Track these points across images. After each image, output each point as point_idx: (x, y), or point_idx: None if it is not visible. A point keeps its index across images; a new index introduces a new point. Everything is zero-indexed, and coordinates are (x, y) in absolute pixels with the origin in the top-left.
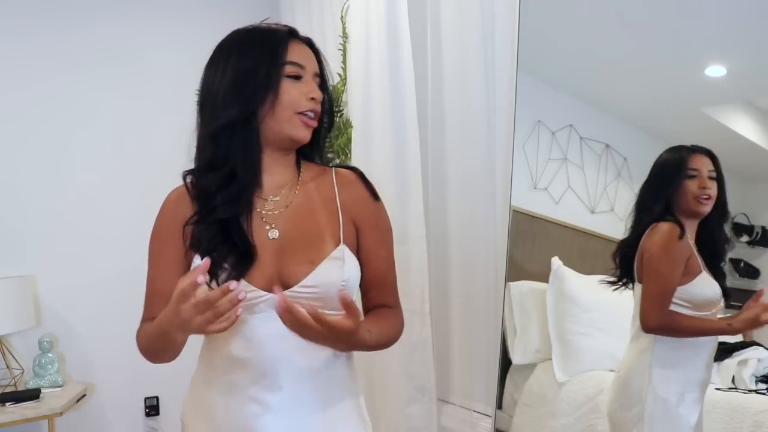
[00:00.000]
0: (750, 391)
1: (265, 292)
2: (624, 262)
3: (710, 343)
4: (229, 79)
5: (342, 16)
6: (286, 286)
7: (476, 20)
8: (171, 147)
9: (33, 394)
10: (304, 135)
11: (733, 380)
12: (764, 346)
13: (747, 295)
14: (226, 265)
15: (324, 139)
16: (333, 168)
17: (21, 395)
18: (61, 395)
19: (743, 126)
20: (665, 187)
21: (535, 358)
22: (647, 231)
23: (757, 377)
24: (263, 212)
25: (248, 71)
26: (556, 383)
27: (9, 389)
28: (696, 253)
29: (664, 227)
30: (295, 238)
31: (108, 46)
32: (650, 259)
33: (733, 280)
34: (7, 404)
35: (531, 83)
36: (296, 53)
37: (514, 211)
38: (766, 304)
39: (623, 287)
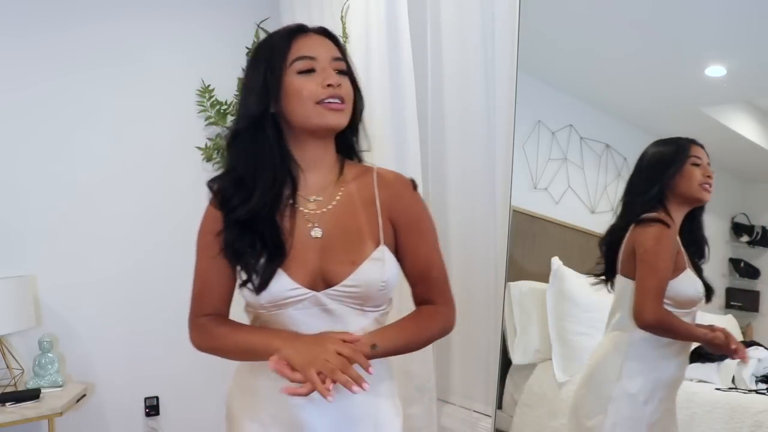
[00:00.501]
0: (750, 391)
1: (308, 290)
2: (609, 253)
3: (687, 345)
4: (244, 92)
5: (342, 16)
6: (328, 285)
7: (476, 20)
8: (171, 146)
9: (33, 394)
10: (336, 120)
11: (733, 380)
12: (764, 346)
13: (747, 294)
14: (259, 264)
15: (355, 130)
16: (375, 168)
17: (21, 395)
18: (61, 395)
19: (743, 126)
20: (666, 171)
21: (535, 358)
22: (635, 226)
23: (757, 377)
24: (306, 211)
25: (254, 78)
26: (556, 383)
27: (9, 389)
28: (683, 249)
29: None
30: (337, 238)
31: (108, 45)
32: (645, 253)
33: (734, 280)
34: (7, 404)
35: (531, 83)
36: (304, 47)
37: (514, 211)
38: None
39: (606, 283)
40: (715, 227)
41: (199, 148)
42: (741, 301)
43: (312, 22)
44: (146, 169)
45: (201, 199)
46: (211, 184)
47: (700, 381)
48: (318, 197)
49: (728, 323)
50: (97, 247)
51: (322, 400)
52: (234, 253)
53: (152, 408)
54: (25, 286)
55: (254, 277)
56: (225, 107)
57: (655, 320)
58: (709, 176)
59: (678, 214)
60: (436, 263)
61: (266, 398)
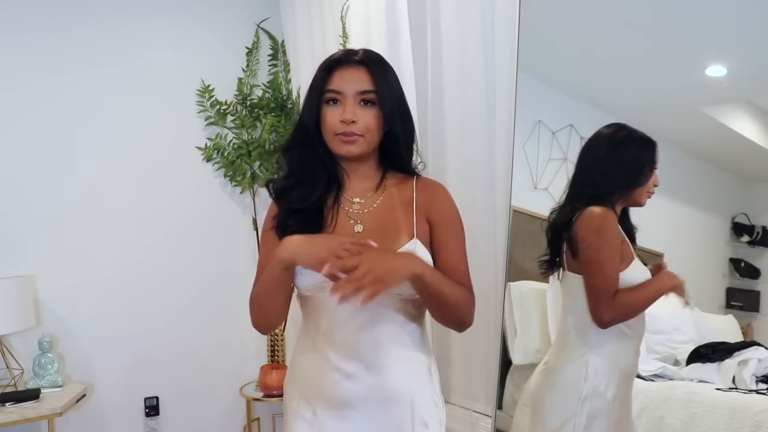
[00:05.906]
0: (750, 391)
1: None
2: (555, 242)
3: (639, 332)
4: (302, 107)
5: (342, 16)
6: None
7: (476, 20)
8: (171, 146)
9: (33, 394)
10: (346, 151)
11: (733, 380)
12: (765, 346)
13: (748, 294)
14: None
15: (405, 149)
16: (415, 176)
17: (21, 395)
18: (61, 395)
19: (743, 126)
20: (639, 178)
21: (535, 358)
22: (579, 216)
23: (757, 377)
24: (350, 210)
25: (307, 99)
26: None
27: (9, 389)
28: (626, 239)
29: (596, 212)
30: (375, 232)
31: (108, 45)
32: (587, 249)
33: (734, 280)
34: (7, 404)
35: (531, 83)
36: (336, 80)
37: (514, 211)
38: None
39: (552, 272)
40: (715, 227)
41: (199, 148)
42: (741, 301)
43: (312, 22)
44: (146, 170)
45: (201, 199)
46: (270, 183)
47: (700, 381)
48: (360, 200)
49: (728, 323)
50: (97, 247)
51: (359, 377)
52: (282, 228)
53: (152, 408)
54: (25, 286)
55: None
56: (225, 107)
57: (613, 318)
58: (656, 185)
59: (618, 209)
60: (464, 259)
61: (310, 377)
